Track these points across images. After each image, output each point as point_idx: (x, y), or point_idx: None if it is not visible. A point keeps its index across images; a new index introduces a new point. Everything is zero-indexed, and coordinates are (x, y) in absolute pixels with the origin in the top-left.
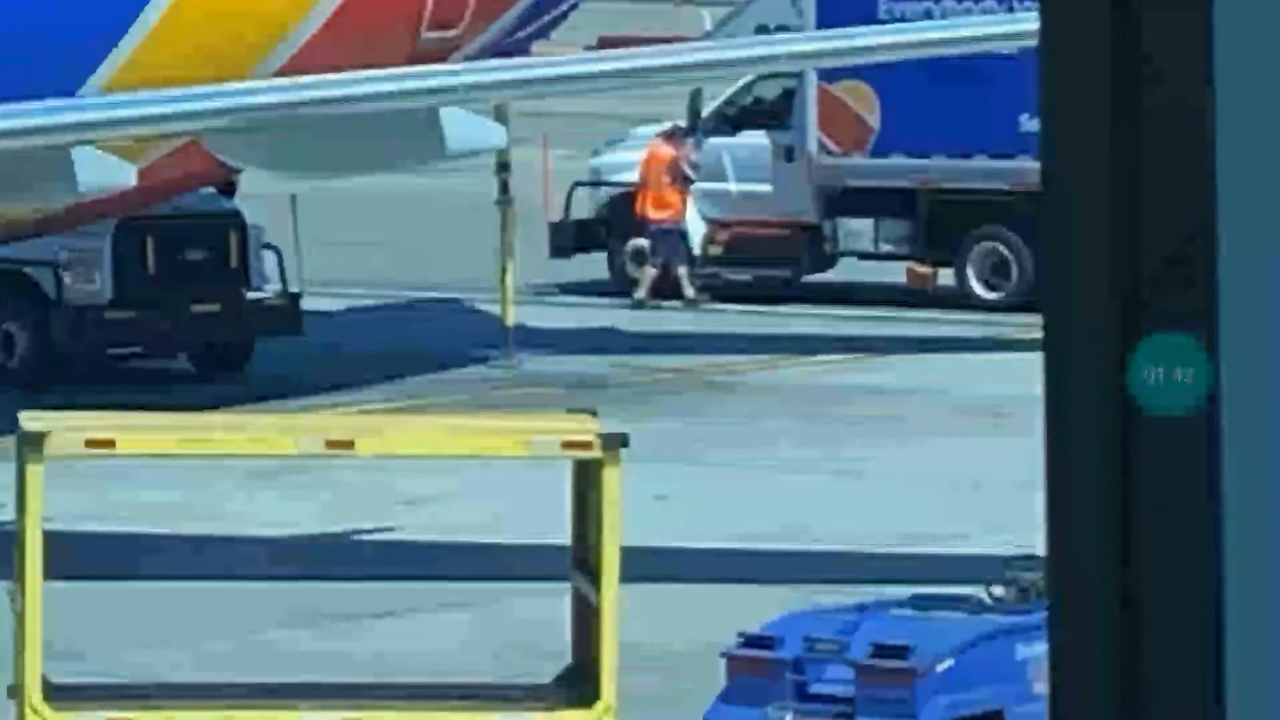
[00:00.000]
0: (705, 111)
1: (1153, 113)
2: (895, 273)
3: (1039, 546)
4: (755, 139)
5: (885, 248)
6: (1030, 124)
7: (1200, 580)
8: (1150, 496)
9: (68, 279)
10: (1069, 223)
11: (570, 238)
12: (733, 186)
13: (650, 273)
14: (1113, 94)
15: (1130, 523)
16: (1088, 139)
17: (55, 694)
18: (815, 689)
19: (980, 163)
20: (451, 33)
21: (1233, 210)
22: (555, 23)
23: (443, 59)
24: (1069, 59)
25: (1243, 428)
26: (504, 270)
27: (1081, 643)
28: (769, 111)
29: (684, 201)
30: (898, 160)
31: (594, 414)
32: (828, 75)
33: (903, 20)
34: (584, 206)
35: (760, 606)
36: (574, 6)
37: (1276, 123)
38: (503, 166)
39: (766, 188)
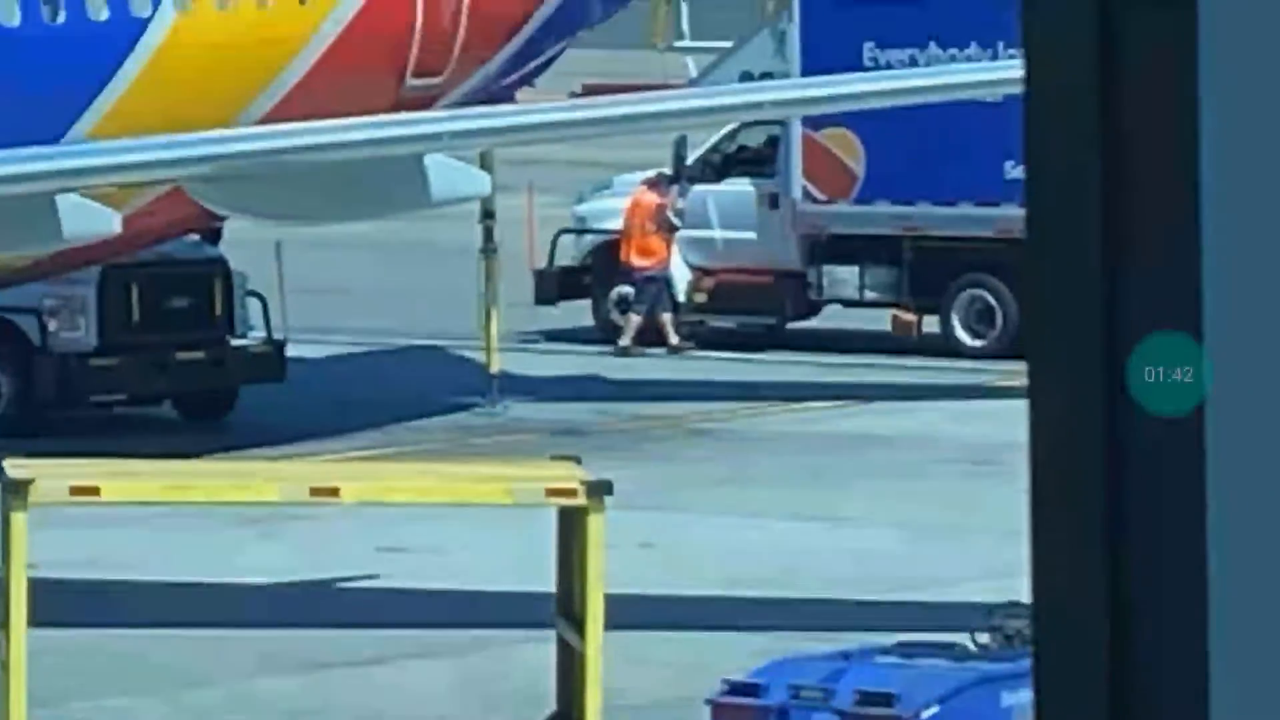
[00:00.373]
0: (690, 159)
1: (1139, 110)
2: (880, 320)
3: (1024, 594)
4: (740, 186)
5: (870, 295)
6: (1015, 171)
7: (1198, 584)
8: (1147, 498)
9: (52, 326)
10: (1055, 220)
11: (555, 285)
12: (717, 234)
13: (635, 320)
14: (1099, 91)
15: (1124, 528)
16: (1072, 138)
17: None
18: None
19: (965, 210)
20: (436, 80)
21: (1219, 212)
22: (540, 70)
23: (427, 106)
24: (1052, 55)
25: (1228, 430)
26: (488, 317)
27: (1070, 654)
28: (753, 159)
29: (668, 249)
30: (882, 207)
31: (578, 461)
32: (812, 122)
33: (887, 67)
34: (568, 254)
35: (745, 653)
36: (559, 54)
37: (1267, 123)
38: (487, 214)
39: (751, 235)
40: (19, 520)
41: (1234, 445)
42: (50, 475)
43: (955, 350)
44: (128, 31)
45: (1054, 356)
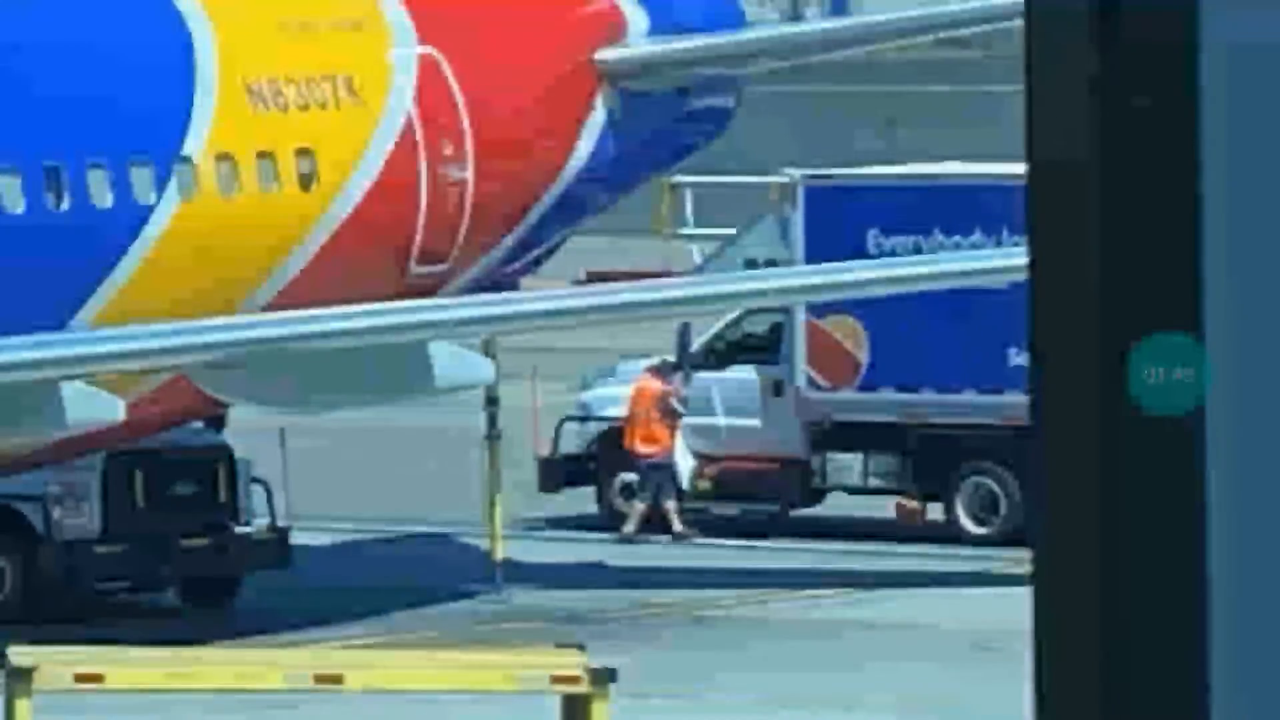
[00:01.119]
0: (694, 346)
1: (1138, 111)
2: (884, 507)
3: None
4: (744, 374)
5: (874, 482)
6: (1019, 358)
7: (1191, 581)
8: (1144, 497)
9: (56, 513)
10: (1059, 222)
11: (559, 472)
12: (721, 421)
13: (639, 507)
14: (1101, 91)
15: (1124, 524)
16: (1074, 138)
17: None
18: None
19: (969, 397)
20: (440, 267)
21: (1220, 215)
22: (544, 257)
23: (431, 293)
24: (1055, 51)
25: (1229, 430)
26: (492, 504)
27: (1069, 647)
28: (757, 346)
29: (673, 436)
30: (886, 395)
31: (582, 648)
32: (816, 310)
33: (891, 254)
34: (573, 441)
35: None
36: (563, 241)
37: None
38: (491, 401)
39: (755, 422)
40: (23, 707)
41: (1236, 444)
42: (54, 662)
43: (959, 537)
44: (131, 218)
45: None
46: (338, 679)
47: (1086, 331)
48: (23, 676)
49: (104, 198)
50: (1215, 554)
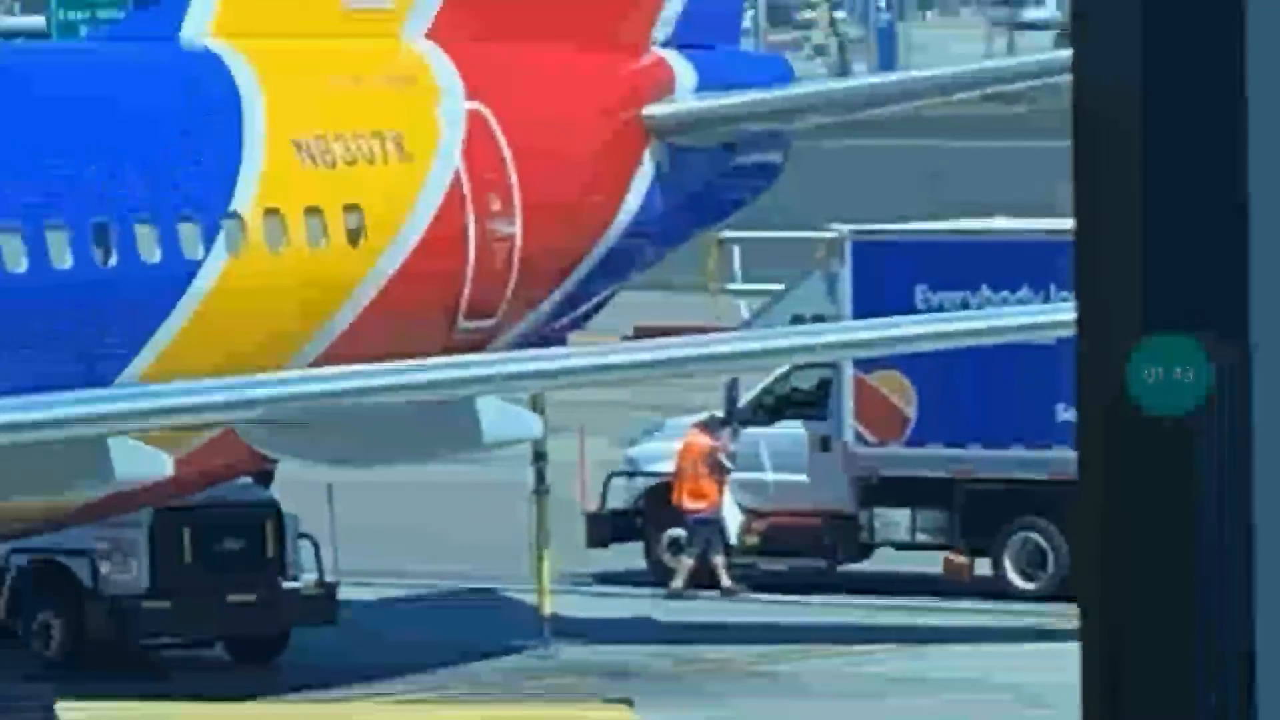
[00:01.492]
0: (742, 401)
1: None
2: (932, 562)
3: None
4: (792, 429)
5: (921, 537)
6: (1066, 414)
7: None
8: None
9: (104, 569)
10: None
11: (607, 528)
12: (769, 476)
13: (687, 563)
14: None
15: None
16: (1119, 146)
17: None
18: None
19: (1017, 453)
20: (488, 322)
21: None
22: (592, 312)
23: (479, 348)
24: (1100, 59)
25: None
26: (540, 560)
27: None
28: (805, 401)
29: (721, 491)
30: (934, 450)
31: (630, 704)
32: (864, 365)
33: (939, 310)
34: (620, 496)
35: None
36: (611, 296)
37: None
38: (539, 456)
39: (803, 478)
40: None
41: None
42: (102, 717)
43: (1007, 593)
44: (179, 274)
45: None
46: None
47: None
48: None
49: (152, 253)
50: (1262, 557)
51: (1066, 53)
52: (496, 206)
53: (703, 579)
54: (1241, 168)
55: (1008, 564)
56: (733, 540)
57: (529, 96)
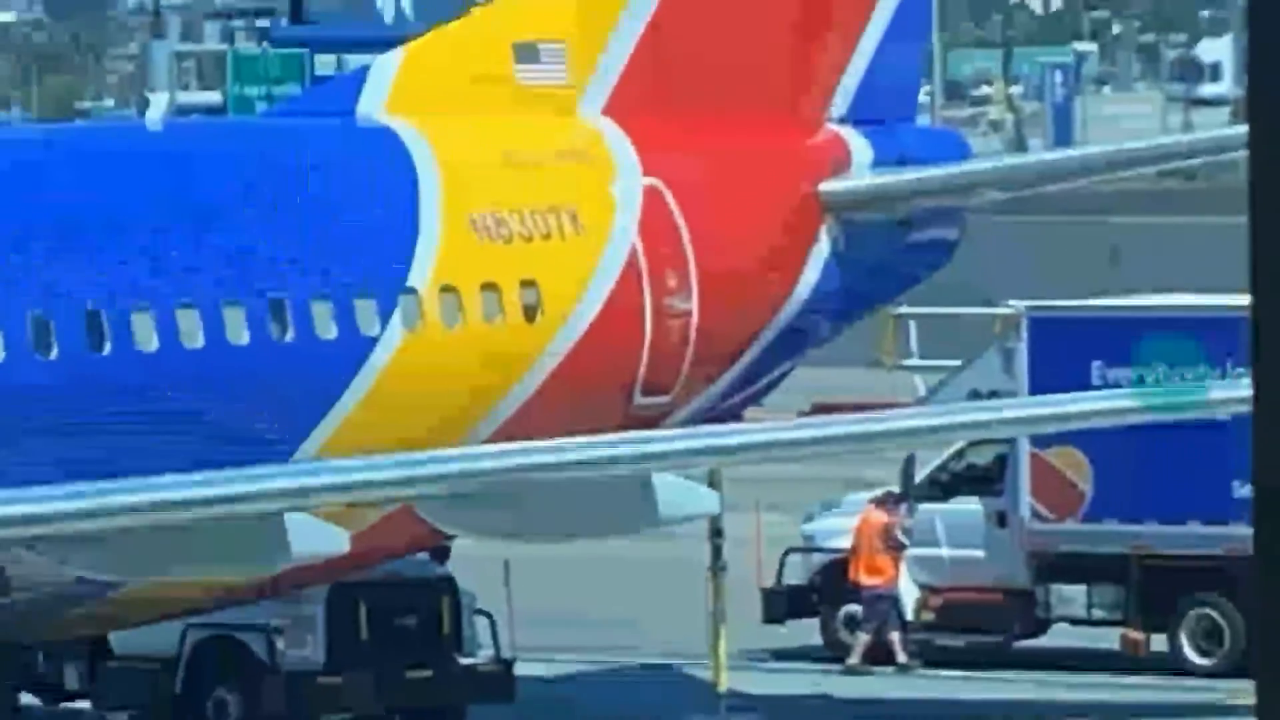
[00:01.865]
0: (918, 477)
1: None
2: (1108, 638)
3: None
4: (968, 505)
5: (1097, 613)
6: (1242, 490)
7: None
8: None
9: (280, 644)
10: None
11: (783, 604)
12: (945, 552)
13: (863, 639)
14: None
15: None
16: None
17: None
18: None
19: (1193, 528)
20: (664, 399)
21: None
22: (768, 388)
23: (655, 424)
24: (1275, 135)
25: None
26: (716, 636)
27: None
28: (981, 477)
29: (897, 567)
30: (1110, 526)
31: None
32: (1040, 441)
33: (1115, 386)
34: (797, 572)
35: None
36: (787, 372)
37: None
38: (716, 532)
39: (979, 553)
40: None
41: None
42: None
43: (1183, 669)
44: (356, 350)
45: None
46: None
47: None
48: None
49: (328, 330)
50: None
51: (1242, 128)
52: (673, 282)
53: (879, 655)
54: None
55: (1184, 640)
56: (909, 616)
57: (705, 172)
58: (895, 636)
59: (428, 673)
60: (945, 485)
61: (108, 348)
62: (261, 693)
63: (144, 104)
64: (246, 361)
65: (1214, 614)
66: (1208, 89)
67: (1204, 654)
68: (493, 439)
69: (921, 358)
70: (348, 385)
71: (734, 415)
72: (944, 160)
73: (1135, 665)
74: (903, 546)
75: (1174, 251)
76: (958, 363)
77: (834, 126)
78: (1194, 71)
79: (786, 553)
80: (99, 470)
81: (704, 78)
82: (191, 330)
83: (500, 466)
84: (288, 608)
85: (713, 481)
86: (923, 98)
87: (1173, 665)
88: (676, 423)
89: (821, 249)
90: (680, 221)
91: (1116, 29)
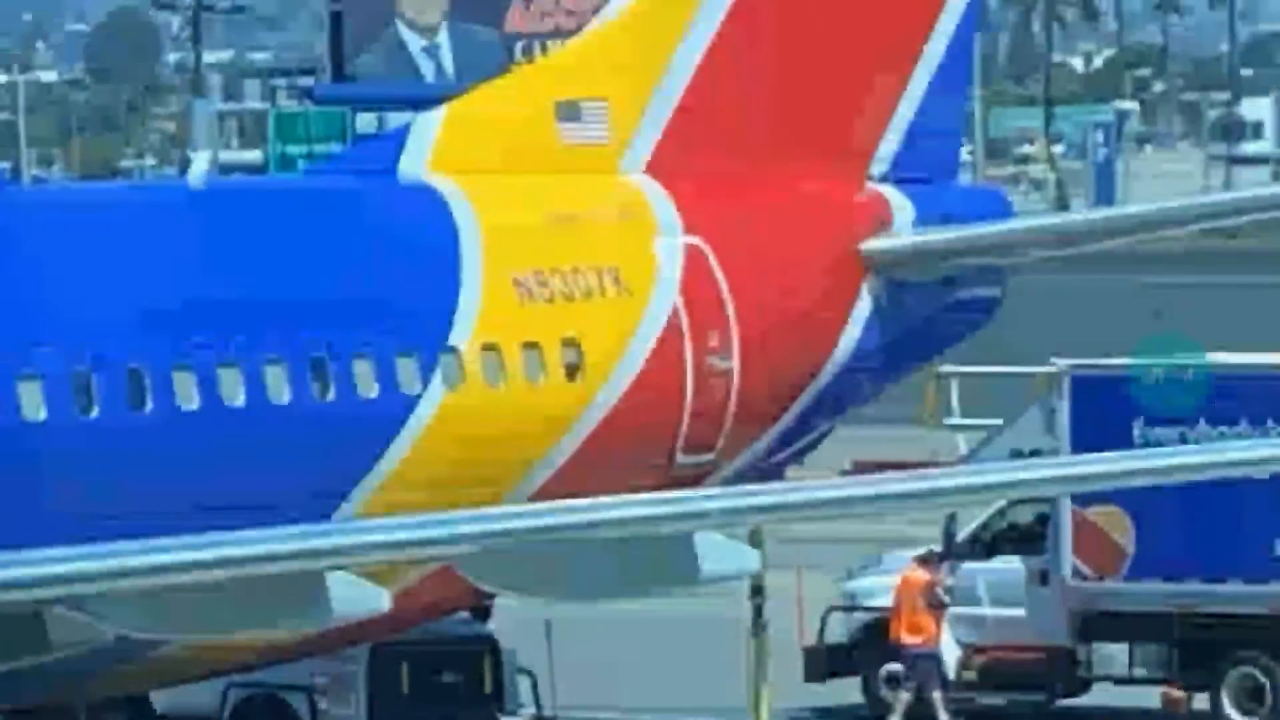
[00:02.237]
0: (960, 536)
1: None
2: (1150, 697)
3: None
4: (1009, 563)
5: (1139, 672)
6: None
7: None
8: None
9: (322, 704)
10: None
11: (824, 662)
12: (987, 611)
13: (905, 698)
14: None
15: None
16: None
17: None
18: None
19: (1235, 587)
20: (706, 457)
21: None
22: (810, 447)
23: (697, 483)
24: None
25: None
26: (757, 695)
27: None
28: (1023, 536)
29: (939, 626)
30: (1152, 584)
31: None
32: (1082, 499)
33: (1157, 444)
34: (838, 631)
35: None
36: (829, 431)
37: None
38: (756, 591)
39: (1021, 612)
40: None
41: None
42: None
43: None
44: (397, 409)
45: None
46: None
47: None
48: None
49: (370, 388)
50: None
51: None
52: (714, 341)
53: (920, 714)
54: None
55: (1226, 699)
56: (950, 674)
57: (747, 231)
58: (937, 695)
59: None
60: (986, 544)
61: (149, 406)
62: None
63: (185, 162)
64: (287, 421)
65: (1256, 672)
66: (1250, 147)
67: (1246, 713)
68: (534, 497)
69: (963, 416)
70: (389, 444)
71: (776, 474)
72: (986, 219)
73: None
74: (944, 605)
75: (1217, 309)
76: (999, 422)
77: (876, 185)
78: (1236, 129)
79: (828, 611)
80: (139, 529)
81: (746, 136)
82: (232, 389)
83: (541, 525)
84: (329, 666)
85: (754, 540)
86: (965, 156)
87: None
88: (718, 481)
89: (863, 308)
90: (721, 280)
91: (1158, 87)
